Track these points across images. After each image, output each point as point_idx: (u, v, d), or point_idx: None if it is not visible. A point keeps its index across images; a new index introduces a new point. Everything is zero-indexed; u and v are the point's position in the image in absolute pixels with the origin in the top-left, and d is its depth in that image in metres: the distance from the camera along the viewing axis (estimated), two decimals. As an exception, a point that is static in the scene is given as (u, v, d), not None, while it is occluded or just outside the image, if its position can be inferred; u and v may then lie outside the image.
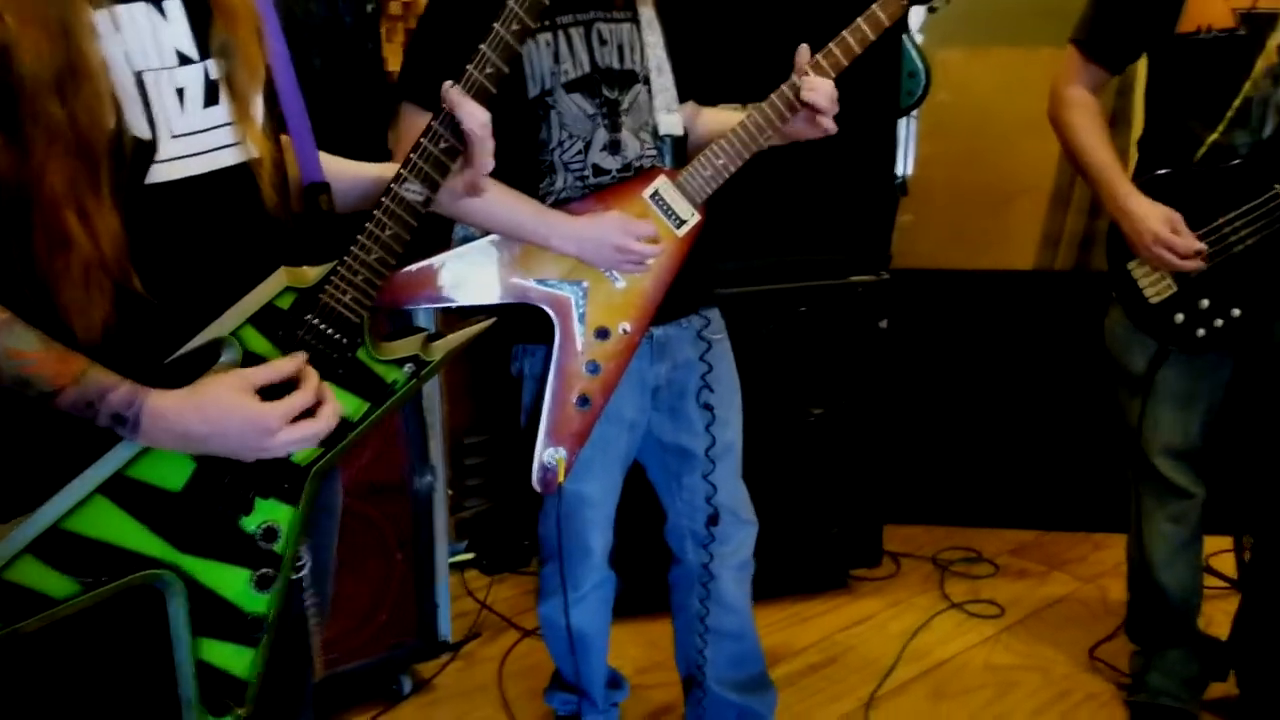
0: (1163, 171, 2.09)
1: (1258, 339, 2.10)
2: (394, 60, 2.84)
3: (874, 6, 1.75)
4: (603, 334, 1.81)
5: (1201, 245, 2.04)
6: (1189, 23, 2.02)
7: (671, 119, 1.87)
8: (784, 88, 1.77)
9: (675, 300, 1.87)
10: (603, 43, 1.81)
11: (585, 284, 1.80)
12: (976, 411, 3.29)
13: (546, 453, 1.80)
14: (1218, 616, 2.55)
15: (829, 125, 1.77)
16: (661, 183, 1.82)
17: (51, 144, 1.07)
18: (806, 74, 1.74)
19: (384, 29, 2.48)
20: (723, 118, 1.98)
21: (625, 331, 1.82)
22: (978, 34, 3.50)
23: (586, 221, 1.76)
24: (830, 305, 2.70)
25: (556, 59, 1.76)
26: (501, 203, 1.71)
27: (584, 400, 1.81)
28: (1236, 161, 2.02)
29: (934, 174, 3.49)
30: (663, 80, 1.86)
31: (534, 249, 1.77)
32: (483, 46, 1.28)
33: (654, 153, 1.86)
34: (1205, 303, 2.08)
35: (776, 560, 2.76)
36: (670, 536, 2.10)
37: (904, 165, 3.20)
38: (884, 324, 2.75)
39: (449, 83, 1.26)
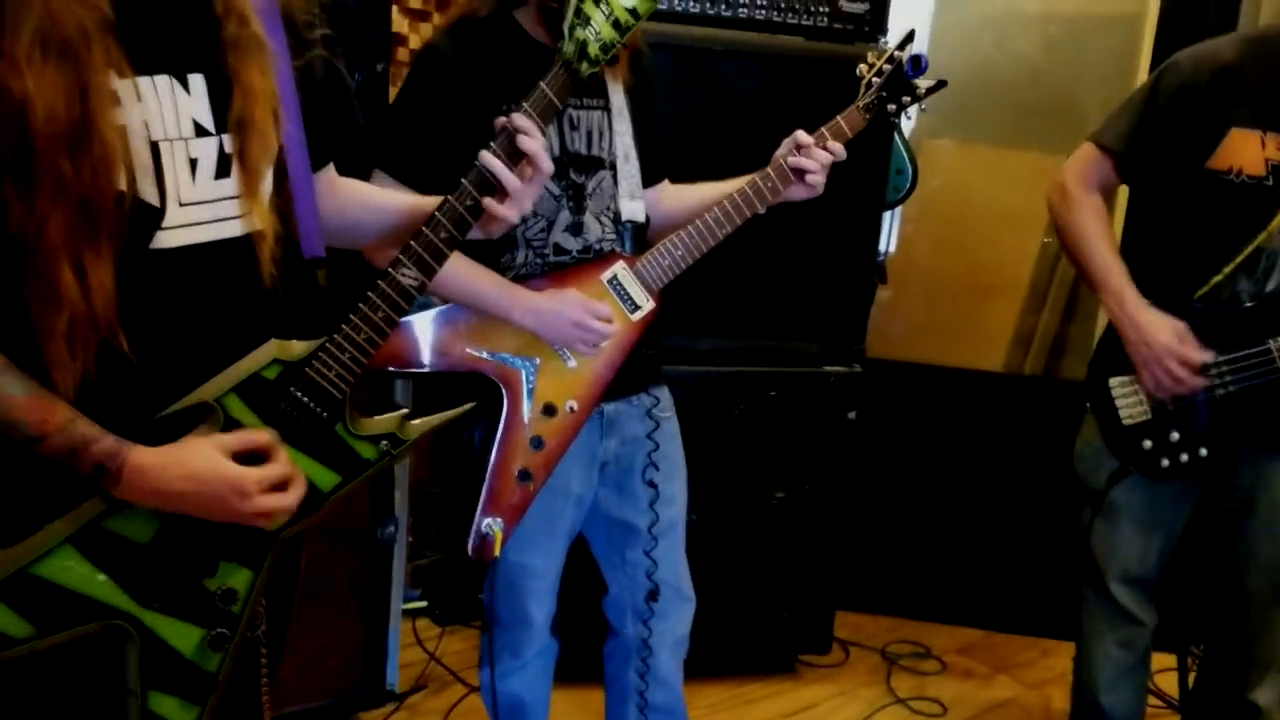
0: (1160, 304, 2.10)
1: (1222, 479, 2.13)
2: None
3: (837, 117, 1.84)
4: (550, 410, 1.85)
5: (1208, 357, 2.04)
6: (1221, 160, 2.04)
7: (634, 205, 1.93)
8: (769, 170, 1.86)
9: (626, 378, 1.92)
10: (573, 128, 1.87)
11: (537, 360, 1.84)
12: (936, 507, 3.33)
13: (484, 522, 1.84)
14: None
15: (818, 183, 1.87)
16: (620, 268, 1.88)
17: (56, 198, 1.11)
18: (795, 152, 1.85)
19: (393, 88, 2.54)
20: (696, 194, 2.02)
21: (572, 410, 1.86)
22: (966, 130, 3.59)
23: (546, 297, 1.82)
24: (801, 392, 2.75)
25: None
26: (464, 273, 1.76)
27: (525, 474, 1.84)
28: (1243, 308, 2.05)
29: (914, 256, 3.56)
30: (628, 167, 1.92)
31: (489, 321, 1.82)
32: (492, 144, 1.34)
33: (614, 237, 1.92)
34: (1175, 436, 2.10)
35: (725, 639, 2.79)
36: (609, 609, 2.13)
37: (886, 244, 3.26)
38: (852, 415, 2.80)
39: (492, 145, 1.33)
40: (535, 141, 1.34)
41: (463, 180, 1.33)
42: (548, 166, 1.36)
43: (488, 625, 2.04)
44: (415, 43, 3.05)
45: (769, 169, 1.89)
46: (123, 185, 1.15)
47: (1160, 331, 2.06)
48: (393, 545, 2.43)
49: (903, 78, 1.91)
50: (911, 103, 1.94)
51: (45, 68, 1.09)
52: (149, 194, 1.18)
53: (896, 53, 1.91)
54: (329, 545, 2.33)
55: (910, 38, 1.93)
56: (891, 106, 1.92)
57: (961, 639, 3.28)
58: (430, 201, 1.39)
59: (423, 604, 3.12)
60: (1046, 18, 3.47)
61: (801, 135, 1.88)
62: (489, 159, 1.33)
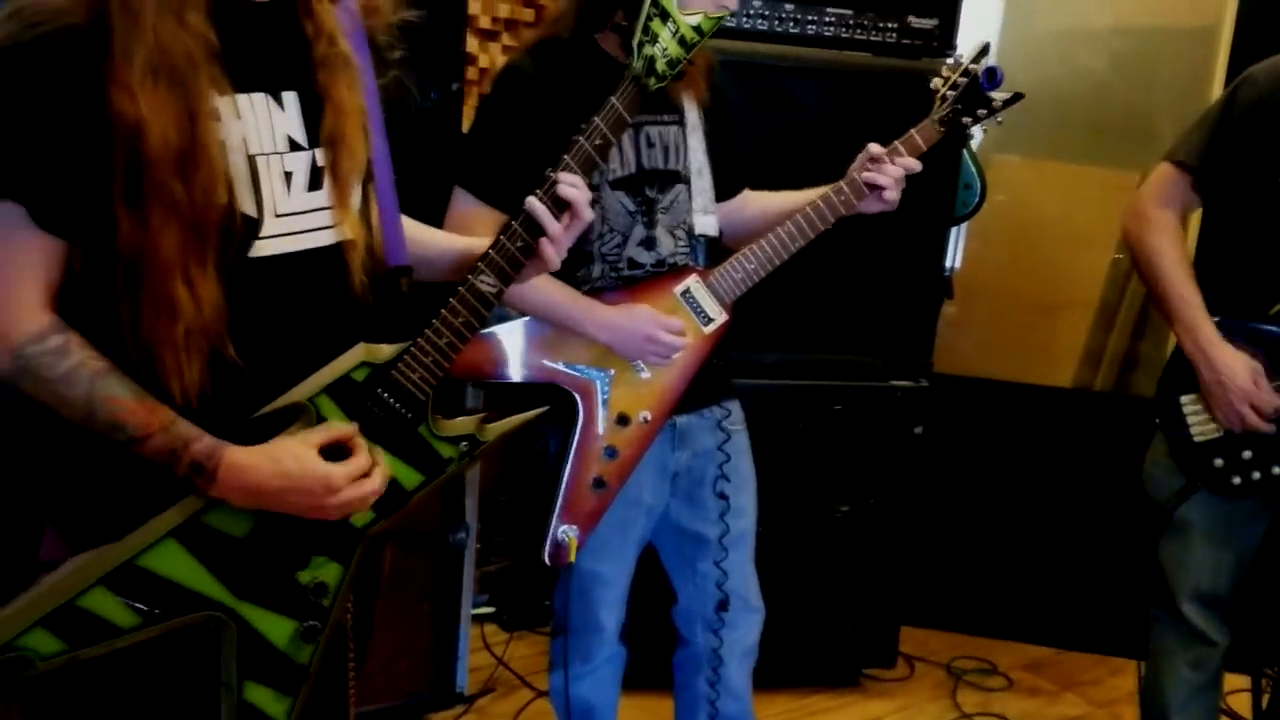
0: (1233, 323, 2.08)
1: None
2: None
3: (911, 130, 1.86)
4: (623, 421, 1.89)
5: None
6: None
7: (707, 220, 1.97)
8: (827, 195, 1.89)
9: (698, 391, 1.95)
10: (650, 145, 1.91)
11: (611, 371, 1.88)
12: (1003, 522, 3.31)
13: (560, 529, 1.88)
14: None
15: (893, 199, 1.89)
16: (693, 281, 1.92)
17: (168, 217, 1.17)
18: (869, 166, 1.87)
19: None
20: (777, 203, 2.05)
21: (645, 420, 1.90)
22: (1034, 145, 3.58)
23: (619, 311, 1.86)
24: (867, 407, 2.76)
25: (608, 154, 1.86)
26: (541, 287, 1.79)
27: (600, 483, 1.89)
28: None
29: (981, 272, 3.55)
30: (702, 182, 1.96)
31: (565, 333, 1.86)
32: (566, 158, 1.38)
33: (687, 251, 1.96)
34: (1248, 454, 2.08)
35: (790, 651, 2.80)
36: (679, 618, 2.16)
37: (952, 259, 3.26)
38: (919, 430, 2.80)
39: (538, 193, 1.37)
40: (578, 191, 1.37)
41: (512, 221, 1.37)
42: (588, 215, 1.39)
43: (558, 630, 2.08)
44: (485, 62, 3.12)
45: (842, 183, 1.91)
46: (225, 200, 1.21)
47: (1237, 375, 2.03)
48: (463, 550, 2.49)
49: (978, 91, 1.92)
50: (987, 116, 1.94)
51: (157, 93, 1.15)
52: (247, 206, 1.24)
53: (971, 65, 1.92)
54: (402, 549, 2.38)
55: (985, 51, 1.94)
56: (966, 120, 1.93)
57: (1028, 656, 3.25)
58: (476, 248, 1.43)
59: (490, 609, 3.17)
60: (1116, 32, 3.45)
61: (874, 148, 1.90)
62: (534, 204, 1.36)
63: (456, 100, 2.38)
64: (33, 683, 1.24)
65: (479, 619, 3.08)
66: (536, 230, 1.36)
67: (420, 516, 2.40)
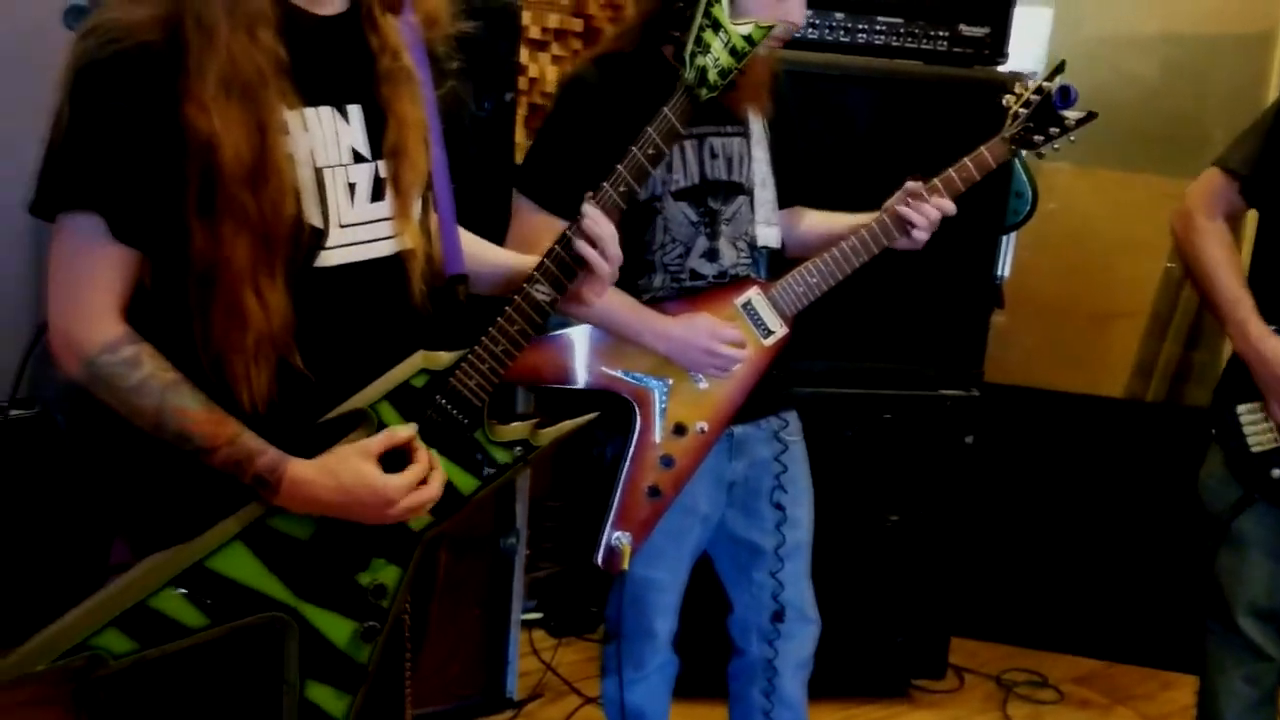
0: None
1: None
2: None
3: (981, 148, 1.84)
4: (680, 430, 1.90)
5: None
6: None
7: (769, 232, 1.97)
8: (881, 216, 1.89)
9: (755, 401, 1.96)
10: (713, 156, 1.92)
11: (669, 381, 1.89)
12: (1055, 533, 3.28)
13: (614, 536, 1.89)
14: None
15: (920, 239, 1.89)
16: (754, 293, 1.92)
17: (239, 228, 1.20)
18: (908, 202, 1.87)
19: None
20: (828, 222, 2.07)
21: (702, 430, 1.91)
22: (1085, 153, 3.53)
23: (679, 322, 1.86)
24: (917, 416, 2.75)
25: (669, 169, 1.87)
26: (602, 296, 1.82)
27: (655, 491, 1.90)
28: None
29: (1031, 281, 3.53)
30: (765, 194, 1.97)
31: (624, 341, 1.88)
32: (620, 167, 1.40)
33: (749, 262, 1.96)
34: None
35: (838, 661, 2.79)
36: (734, 628, 2.16)
37: (1001, 268, 3.24)
38: (970, 439, 2.79)
39: (589, 195, 1.38)
40: (602, 228, 1.37)
41: (567, 231, 1.38)
42: (615, 254, 1.38)
43: (611, 636, 2.09)
44: (534, 72, 3.16)
45: (882, 214, 1.92)
46: (293, 211, 1.24)
47: None
48: (514, 556, 2.51)
49: (1051, 109, 1.90)
50: (1060, 135, 1.93)
51: (229, 108, 1.18)
52: (313, 216, 1.27)
53: (1045, 83, 1.91)
54: (454, 555, 2.41)
55: (1060, 68, 1.92)
56: (1038, 138, 1.92)
57: (1080, 668, 3.22)
58: (526, 264, 1.45)
59: (538, 615, 3.20)
60: (1168, 38, 3.42)
61: (911, 185, 1.90)
62: (580, 245, 1.37)
63: (510, 110, 2.41)
64: (101, 682, 1.28)
65: (527, 624, 3.10)
66: (592, 241, 1.37)
67: (472, 522, 2.43)
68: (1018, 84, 1.95)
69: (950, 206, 1.90)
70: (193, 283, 1.22)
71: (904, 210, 1.88)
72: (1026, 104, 1.92)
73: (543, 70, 3.18)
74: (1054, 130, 1.92)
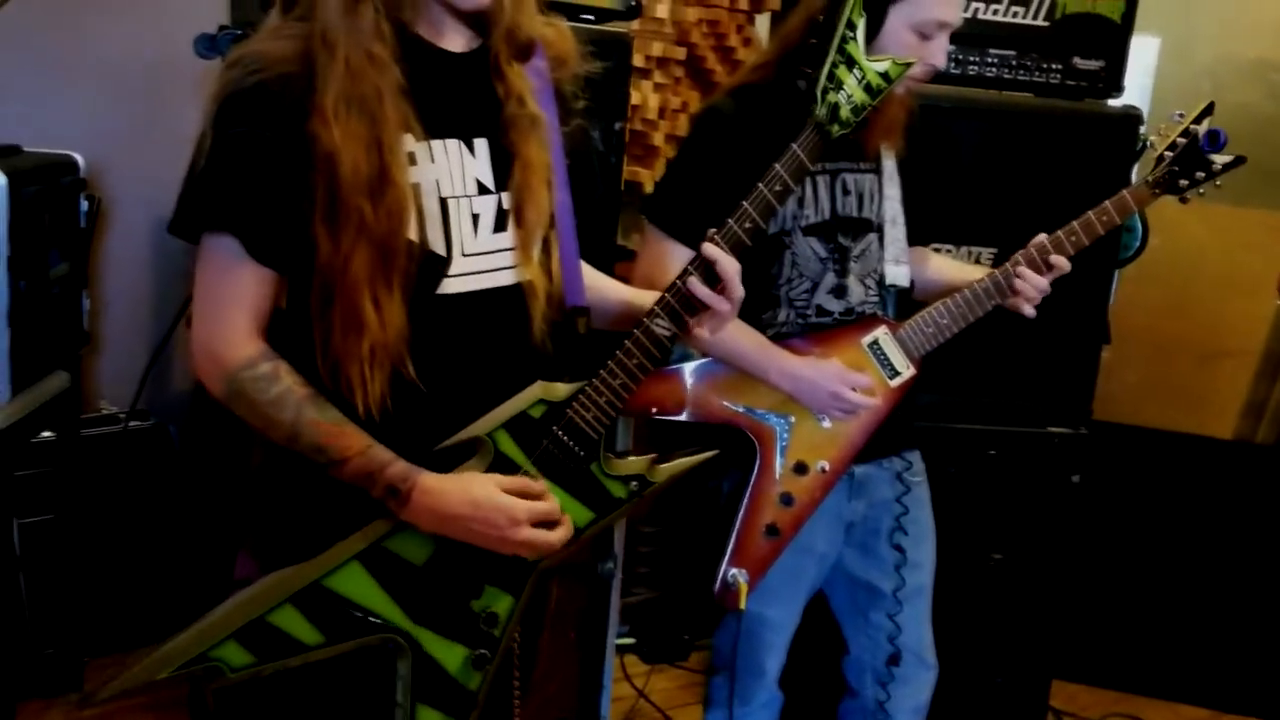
0: None
1: None
2: (638, 175, 3.06)
3: (1124, 191, 1.80)
4: (801, 469, 1.88)
5: None
6: None
7: (899, 270, 1.94)
8: (1006, 266, 1.87)
9: (879, 441, 1.92)
10: (845, 192, 1.90)
11: (792, 419, 1.87)
12: (1160, 576, 3.19)
13: (730, 572, 1.87)
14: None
15: (1028, 312, 1.88)
16: (882, 333, 1.90)
17: (358, 238, 1.24)
18: (1020, 264, 1.87)
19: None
20: (953, 268, 2.06)
21: (823, 470, 1.88)
22: (1193, 186, 3.46)
23: (806, 364, 1.84)
24: (1022, 453, 2.69)
25: (800, 204, 1.86)
26: (727, 331, 1.81)
27: (773, 530, 1.88)
28: None
29: (1135, 318, 3.44)
30: (895, 232, 1.94)
31: (747, 376, 1.86)
32: (745, 203, 1.40)
33: (876, 300, 1.94)
34: None
35: (937, 699, 2.73)
36: (849, 669, 2.13)
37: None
38: (1076, 478, 2.72)
39: (711, 232, 1.38)
40: (725, 266, 1.36)
41: (689, 266, 1.38)
42: (737, 294, 1.38)
43: (719, 668, 2.08)
44: (637, 99, 3.18)
45: (1007, 266, 1.91)
46: (414, 234, 1.28)
47: None
48: (611, 581, 2.52)
49: (1198, 153, 1.87)
50: (1206, 179, 1.89)
51: (349, 122, 1.23)
52: (437, 245, 1.30)
53: (1193, 126, 1.88)
54: (555, 579, 2.43)
55: (1209, 110, 1.89)
56: (1183, 182, 1.89)
57: (1183, 716, 3.12)
58: (643, 300, 1.46)
59: (630, 640, 3.19)
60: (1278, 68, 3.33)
61: (1039, 240, 1.90)
62: (693, 283, 1.36)
63: (619, 139, 2.43)
64: (214, 693, 1.31)
65: (620, 650, 3.10)
66: (714, 277, 1.37)
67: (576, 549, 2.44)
68: (1163, 125, 1.91)
69: (1066, 264, 1.88)
70: (316, 293, 1.26)
71: (1019, 281, 1.88)
72: (1172, 146, 1.88)
73: (645, 98, 3.20)
74: (1200, 174, 1.89)
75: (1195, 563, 3.16)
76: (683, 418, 1.89)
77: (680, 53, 3.23)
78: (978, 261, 2.55)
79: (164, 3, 2.93)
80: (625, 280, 1.65)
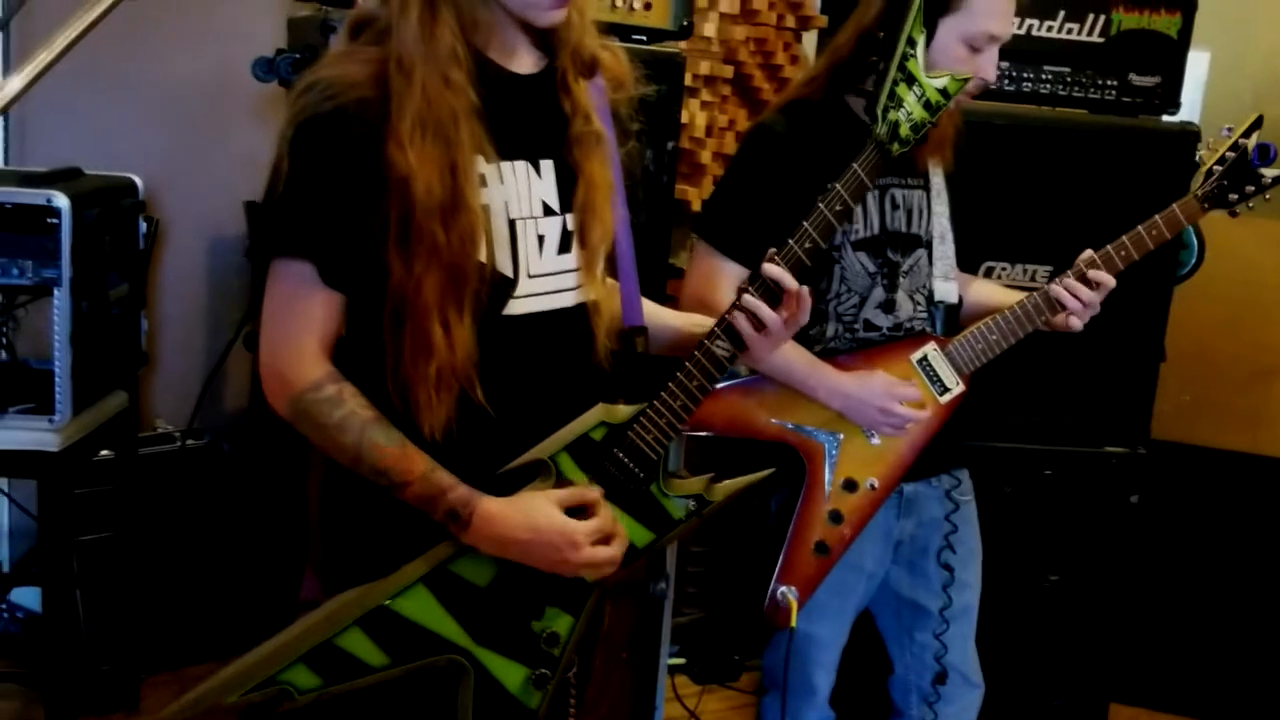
0: None
1: None
2: (686, 193, 3.06)
3: (1174, 205, 1.78)
4: (850, 486, 1.87)
5: None
6: None
7: (948, 286, 1.94)
8: (1055, 283, 1.85)
9: (928, 459, 1.91)
10: (894, 207, 1.90)
11: (841, 436, 1.86)
12: (1219, 598, 3.13)
13: (780, 590, 1.86)
14: None
15: (1075, 326, 1.86)
16: (931, 349, 1.89)
17: (430, 261, 1.25)
18: (1067, 277, 1.85)
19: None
20: (996, 292, 2.05)
21: (873, 487, 1.87)
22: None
23: (854, 379, 1.84)
24: (1079, 473, 2.66)
25: (849, 218, 1.86)
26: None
27: (822, 547, 1.87)
28: None
29: (1189, 335, 3.38)
30: (944, 248, 1.93)
31: (796, 394, 1.85)
32: (805, 223, 1.40)
33: (925, 316, 1.93)
34: None
35: (992, 722, 2.71)
36: (894, 688, 2.12)
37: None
38: (1135, 499, 2.68)
39: (772, 252, 1.38)
40: (787, 285, 1.35)
41: (749, 287, 1.37)
42: (805, 315, 1.38)
43: (769, 687, 2.07)
44: (685, 118, 3.18)
45: (1036, 295, 1.89)
46: (483, 256, 1.28)
47: None
48: (663, 601, 2.51)
49: (1248, 167, 1.85)
50: (1256, 193, 1.87)
51: (424, 146, 1.23)
52: (505, 266, 1.31)
53: (1242, 140, 1.86)
54: (608, 600, 2.42)
55: (1258, 124, 1.87)
56: (1233, 196, 1.87)
57: (1246, 743, 3.05)
58: (697, 327, 1.46)
59: (680, 660, 3.18)
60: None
61: (1085, 255, 1.87)
62: (755, 303, 1.36)
63: (672, 158, 2.44)
64: (282, 715, 1.32)
65: (670, 670, 3.08)
66: (775, 297, 1.37)
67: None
68: (1212, 139, 1.89)
69: (1110, 281, 1.86)
70: (387, 316, 1.27)
71: (1056, 292, 1.85)
72: (1222, 160, 1.87)
73: (693, 116, 3.20)
74: (1250, 188, 1.87)
75: (1256, 585, 3.10)
76: (731, 434, 1.89)
77: (728, 71, 3.24)
78: (1033, 279, 2.53)
79: (222, 27, 2.98)
80: (675, 297, 1.65)
